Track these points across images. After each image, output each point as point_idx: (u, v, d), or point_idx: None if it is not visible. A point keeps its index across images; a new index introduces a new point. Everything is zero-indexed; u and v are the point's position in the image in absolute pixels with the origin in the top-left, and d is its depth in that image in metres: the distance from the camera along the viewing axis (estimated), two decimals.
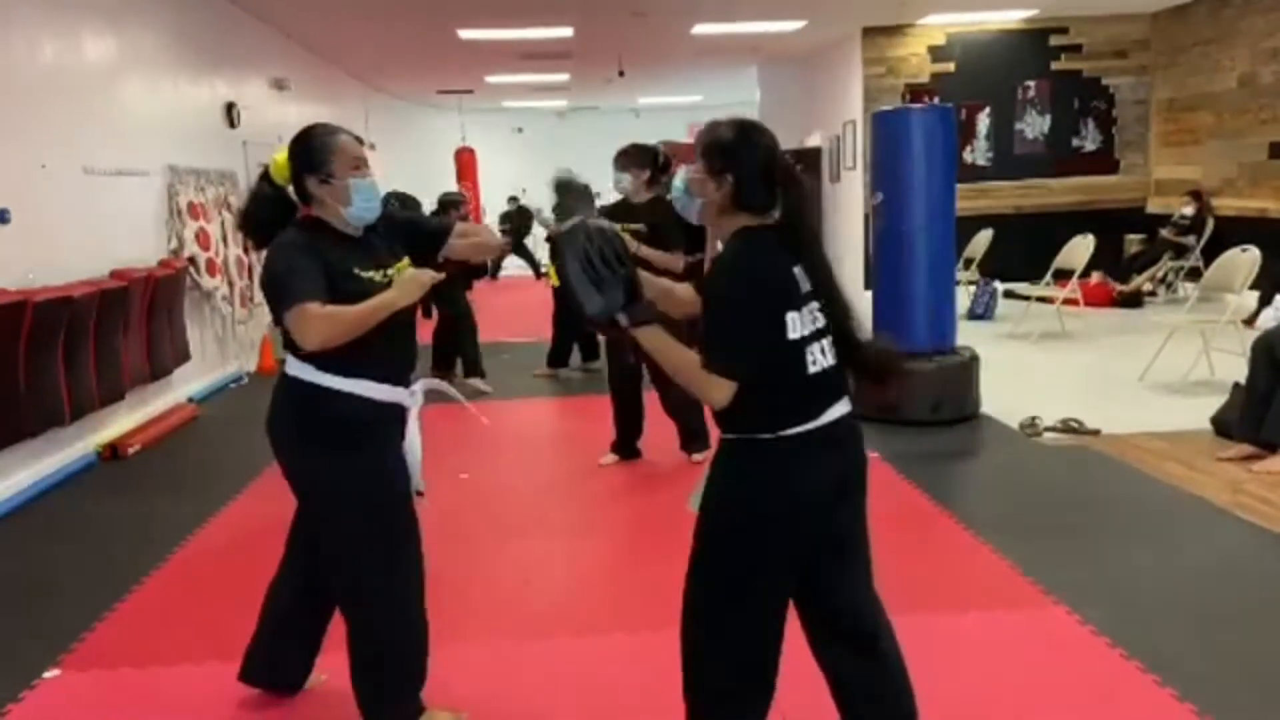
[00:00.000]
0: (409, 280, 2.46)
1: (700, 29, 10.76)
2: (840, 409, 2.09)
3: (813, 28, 11.02)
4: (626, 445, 5.26)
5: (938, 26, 11.31)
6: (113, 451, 5.60)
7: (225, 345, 7.89)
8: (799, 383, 2.04)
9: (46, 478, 5.11)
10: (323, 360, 2.38)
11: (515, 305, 12.72)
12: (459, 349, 7.33)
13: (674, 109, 18.32)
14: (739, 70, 14.30)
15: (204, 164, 7.59)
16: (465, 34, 10.47)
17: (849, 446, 2.13)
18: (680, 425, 5.10)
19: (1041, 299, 8.87)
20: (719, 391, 1.99)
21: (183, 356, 6.82)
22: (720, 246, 2.16)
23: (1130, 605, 3.32)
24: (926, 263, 5.77)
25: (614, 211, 4.82)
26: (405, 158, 15.18)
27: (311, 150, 2.46)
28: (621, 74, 12.46)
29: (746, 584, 2.08)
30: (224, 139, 8.32)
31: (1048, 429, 5.51)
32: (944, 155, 5.78)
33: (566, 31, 10.59)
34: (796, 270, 2.08)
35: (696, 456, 5.03)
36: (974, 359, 5.90)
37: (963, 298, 9.91)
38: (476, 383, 7.20)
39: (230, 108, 8.44)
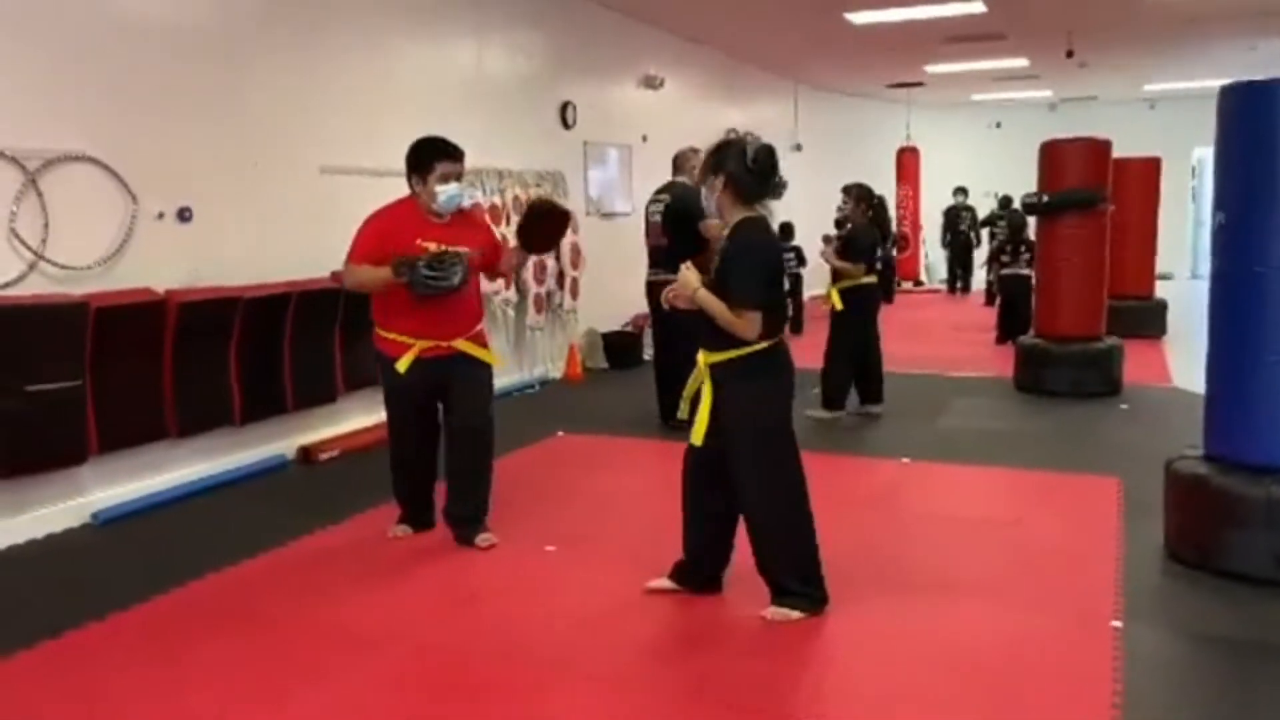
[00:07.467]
0: None
1: None
2: None
3: None
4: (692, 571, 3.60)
5: None
6: (305, 455, 5.58)
7: (520, 351, 7.70)
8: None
9: (227, 472, 5.18)
10: None
11: (913, 324, 11.17)
12: None
13: (1193, 96, 14.91)
14: (1267, 41, 11.01)
15: (516, 165, 7.42)
16: (854, 18, 9.22)
17: None
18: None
19: None
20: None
21: None
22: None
23: None
24: None
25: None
26: (841, 157, 14.13)
27: None
28: (1070, 54, 10.19)
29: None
30: (555, 139, 8.13)
31: None
32: None
33: (977, 7, 8.83)
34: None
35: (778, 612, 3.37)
36: None
37: None
38: None
39: (565, 107, 8.23)
